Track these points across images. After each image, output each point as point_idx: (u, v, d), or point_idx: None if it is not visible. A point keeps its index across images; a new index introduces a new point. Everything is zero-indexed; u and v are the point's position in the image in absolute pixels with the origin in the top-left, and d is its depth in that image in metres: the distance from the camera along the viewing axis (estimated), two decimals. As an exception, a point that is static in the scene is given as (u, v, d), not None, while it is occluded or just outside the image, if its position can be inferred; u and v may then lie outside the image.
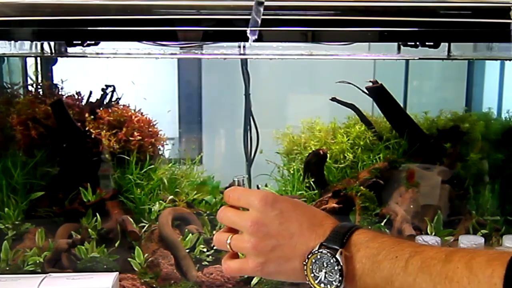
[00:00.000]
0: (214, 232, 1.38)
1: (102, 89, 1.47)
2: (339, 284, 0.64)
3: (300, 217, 0.68)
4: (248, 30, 0.70)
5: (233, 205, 0.72)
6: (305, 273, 0.66)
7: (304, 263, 0.66)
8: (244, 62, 1.55)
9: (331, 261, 0.64)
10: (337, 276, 0.64)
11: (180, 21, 1.14)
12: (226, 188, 1.61)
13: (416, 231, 1.29)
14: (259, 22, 0.71)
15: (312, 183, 1.42)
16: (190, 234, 1.33)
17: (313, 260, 0.65)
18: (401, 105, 1.58)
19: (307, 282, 0.66)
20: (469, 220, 1.41)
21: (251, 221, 0.68)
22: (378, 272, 0.62)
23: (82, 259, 1.27)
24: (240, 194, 0.71)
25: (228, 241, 0.70)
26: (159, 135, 1.46)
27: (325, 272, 0.64)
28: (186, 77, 1.84)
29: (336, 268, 0.63)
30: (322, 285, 0.65)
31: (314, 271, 0.65)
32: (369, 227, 1.31)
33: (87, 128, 1.37)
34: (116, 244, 1.31)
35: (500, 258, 0.54)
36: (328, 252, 0.64)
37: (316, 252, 0.65)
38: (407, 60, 1.43)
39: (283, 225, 0.67)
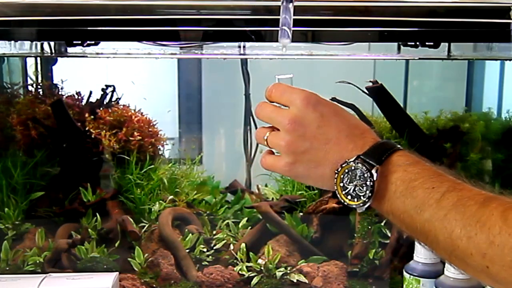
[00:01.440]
0: (214, 232, 1.38)
1: (102, 89, 1.47)
2: (367, 200, 0.61)
3: (341, 124, 0.66)
4: (279, 32, 0.69)
5: (273, 101, 0.70)
6: (335, 182, 0.64)
7: (336, 171, 0.63)
8: (244, 62, 1.55)
9: (365, 175, 0.61)
10: (367, 192, 0.61)
11: (180, 21, 1.14)
12: (226, 188, 1.62)
13: (416, 231, 1.29)
14: (291, 22, 0.70)
15: (312, 183, 1.42)
16: (190, 234, 1.33)
17: (346, 171, 0.63)
18: (401, 105, 1.58)
19: (334, 191, 0.64)
20: (469, 220, 1.40)
21: (289, 119, 0.66)
22: (410, 198, 0.59)
23: (82, 259, 1.27)
24: (284, 90, 0.69)
25: (265, 137, 0.69)
26: (159, 135, 1.46)
27: (355, 185, 0.62)
28: (186, 77, 1.84)
29: (368, 183, 0.61)
30: (349, 197, 0.63)
31: (344, 181, 0.63)
32: (370, 228, 1.31)
33: (87, 128, 1.37)
34: (116, 244, 1.31)
35: None
36: (364, 165, 0.61)
37: (351, 163, 0.62)
38: (407, 60, 1.43)
39: (321, 129, 0.65)
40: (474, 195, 0.57)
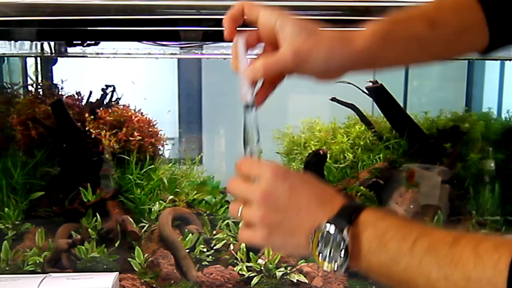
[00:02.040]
0: (214, 232, 1.39)
1: (102, 89, 1.47)
2: (343, 262, 0.63)
3: (310, 192, 0.68)
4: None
5: (244, 176, 0.71)
6: (311, 249, 0.65)
7: (310, 239, 0.65)
8: (244, 62, 1.55)
9: (338, 238, 0.63)
10: (342, 254, 0.63)
11: (180, 21, 1.14)
12: (226, 188, 1.61)
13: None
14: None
15: (312, 183, 1.42)
16: (190, 234, 1.33)
17: (319, 237, 0.64)
18: (401, 105, 1.58)
19: (311, 258, 0.66)
20: (469, 220, 1.41)
21: (260, 193, 0.67)
22: (384, 252, 0.61)
23: (82, 259, 1.27)
24: (252, 165, 0.71)
25: (239, 211, 0.70)
26: (159, 135, 1.46)
27: (331, 249, 0.64)
28: (186, 77, 1.84)
29: (342, 245, 0.63)
30: (326, 261, 0.64)
31: (319, 247, 0.64)
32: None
33: (87, 128, 1.37)
34: (116, 244, 1.31)
35: (507, 244, 0.54)
36: (335, 229, 0.63)
37: (322, 228, 0.64)
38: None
39: (291, 199, 0.67)
40: (444, 236, 0.59)
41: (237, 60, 0.71)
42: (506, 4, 0.74)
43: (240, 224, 0.71)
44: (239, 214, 0.70)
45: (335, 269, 0.64)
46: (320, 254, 0.65)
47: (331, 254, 0.64)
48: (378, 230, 0.63)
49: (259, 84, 0.72)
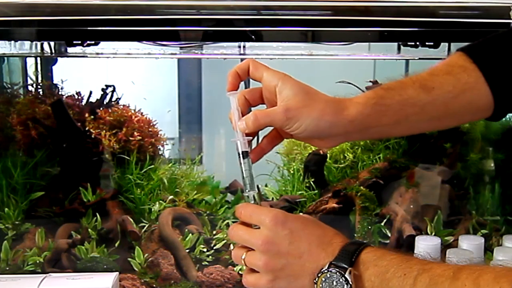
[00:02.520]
0: (214, 232, 1.39)
1: (102, 89, 1.47)
2: None
3: (310, 236, 0.70)
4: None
5: (244, 222, 0.74)
6: None
7: (315, 281, 0.67)
8: (244, 62, 1.55)
9: (341, 280, 0.65)
10: None
11: (180, 21, 1.14)
12: (226, 188, 1.62)
13: (416, 231, 1.29)
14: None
15: (312, 183, 1.42)
16: (190, 234, 1.33)
17: (323, 279, 0.67)
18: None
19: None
20: (469, 220, 1.41)
21: (262, 240, 0.70)
22: None
23: (82, 259, 1.27)
24: (252, 212, 0.73)
25: (243, 257, 0.73)
26: (159, 135, 1.46)
27: None
28: (186, 77, 1.84)
29: (345, 287, 0.65)
30: None
31: None
32: (369, 228, 1.31)
33: (87, 128, 1.37)
34: (116, 244, 1.31)
35: (507, 275, 0.55)
36: (337, 271, 0.66)
37: (325, 271, 0.66)
38: (407, 60, 1.43)
39: (293, 245, 0.69)
40: (443, 271, 0.61)
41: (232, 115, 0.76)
42: (502, 58, 0.75)
43: (244, 271, 0.75)
44: (242, 258, 0.73)
45: None
46: None
47: None
48: (380, 269, 0.65)
49: (254, 140, 0.77)
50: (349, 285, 0.65)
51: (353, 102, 0.73)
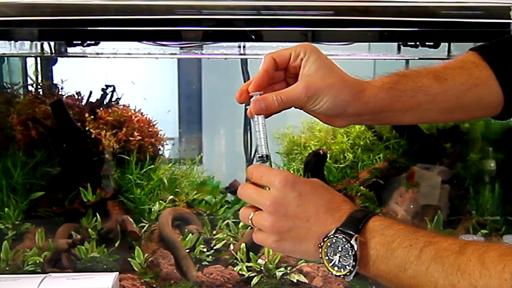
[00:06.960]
0: (214, 232, 1.39)
1: (102, 89, 1.47)
2: (352, 269, 0.65)
3: (318, 200, 0.70)
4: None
5: (254, 182, 0.74)
6: (320, 256, 0.68)
7: (320, 245, 0.67)
8: (244, 62, 1.55)
9: (346, 246, 0.65)
10: (351, 261, 0.65)
11: (180, 21, 1.14)
12: (226, 188, 1.62)
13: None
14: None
15: (312, 183, 1.42)
16: (190, 234, 1.33)
17: (328, 244, 0.67)
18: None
19: (320, 264, 0.67)
20: (469, 220, 1.41)
21: (270, 201, 0.69)
22: (391, 259, 0.63)
23: (82, 259, 1.27)
24: (263, 173, 0.73)
25: (250, 217, 0.72)
26: (159, 135, 1.46)
27: (340, 256, 0.66)
28: (186, 77, 1.84)
29: (350, 253, 0.65)
30: (335, 268, 0.67)
31: (328, 254, 0.67)
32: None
33: (87, 128, 1.37)
34: (116, 244, 1.31)
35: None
36: (343, 237, 0.65)
37: (331, 236, 0.66)
38: (407, 60, 1.43)
39: (300, 207, 0.69)
40: (450, 245, 0.61)
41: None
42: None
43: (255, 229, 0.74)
44: (250, 218, 0.73)
45: (345, 275, 0.66)
46: (330, 261, 0.67)
47: (340, 261, 0.66)
48: (386, 238, 0.65)
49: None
50: (354, 252, 0.65)
51: (371, 85, 0.74)
